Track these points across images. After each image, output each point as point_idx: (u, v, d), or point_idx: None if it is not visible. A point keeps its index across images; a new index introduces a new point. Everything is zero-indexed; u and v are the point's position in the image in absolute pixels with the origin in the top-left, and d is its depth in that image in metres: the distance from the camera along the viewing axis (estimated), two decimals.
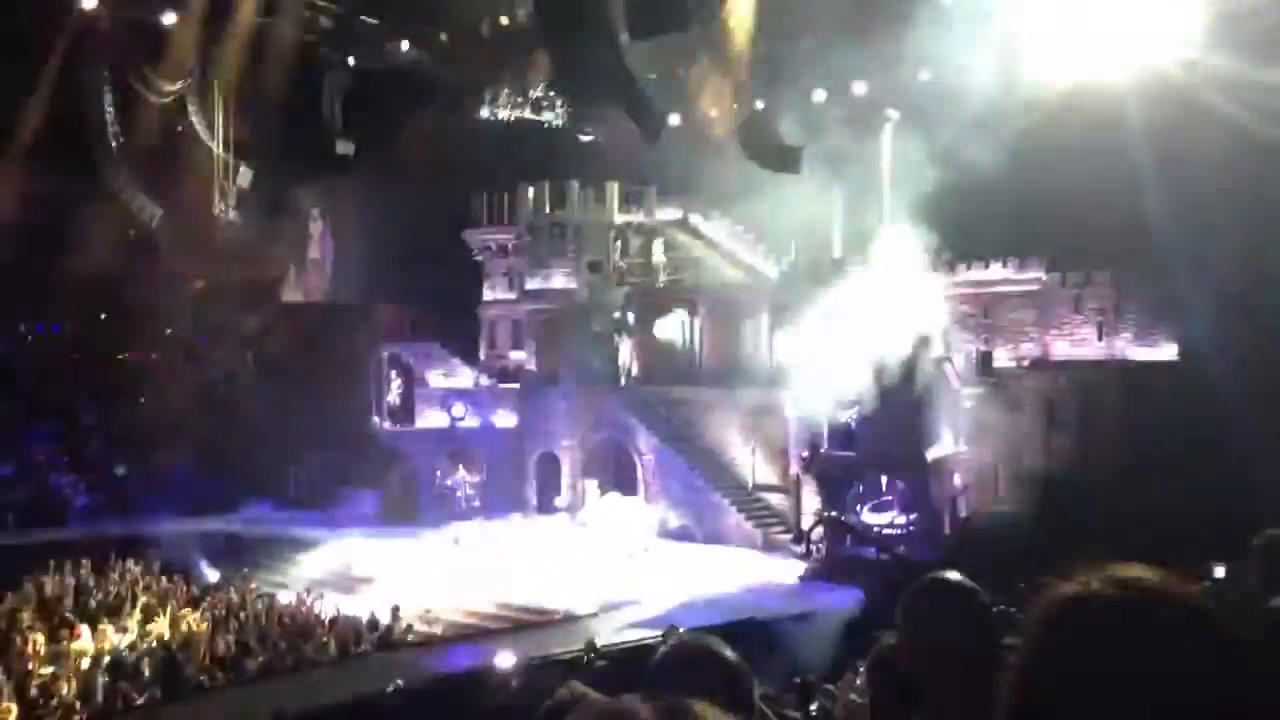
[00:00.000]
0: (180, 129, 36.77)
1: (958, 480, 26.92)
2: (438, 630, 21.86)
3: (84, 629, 19.53)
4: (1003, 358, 29.19)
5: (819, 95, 31.18)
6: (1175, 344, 27.78)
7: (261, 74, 35.64)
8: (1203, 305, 24.19)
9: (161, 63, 33.84)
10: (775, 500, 31.24)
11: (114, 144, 34.13)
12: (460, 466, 36.55)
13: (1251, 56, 23.79)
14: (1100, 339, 27.92)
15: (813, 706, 8.42)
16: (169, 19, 32.41)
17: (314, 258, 43.72)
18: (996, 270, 29.75)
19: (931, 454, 26.49)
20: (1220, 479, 21.32)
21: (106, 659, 18.24)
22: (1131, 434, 25.42)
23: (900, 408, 25.78)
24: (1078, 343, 28.24)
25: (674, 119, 30.73)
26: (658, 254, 36.00)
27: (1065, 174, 27.34)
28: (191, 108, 35.44)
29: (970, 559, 23.05)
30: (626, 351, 34.44)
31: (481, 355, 38.93)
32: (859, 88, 31.30)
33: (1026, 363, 28.43)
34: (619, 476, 33.81)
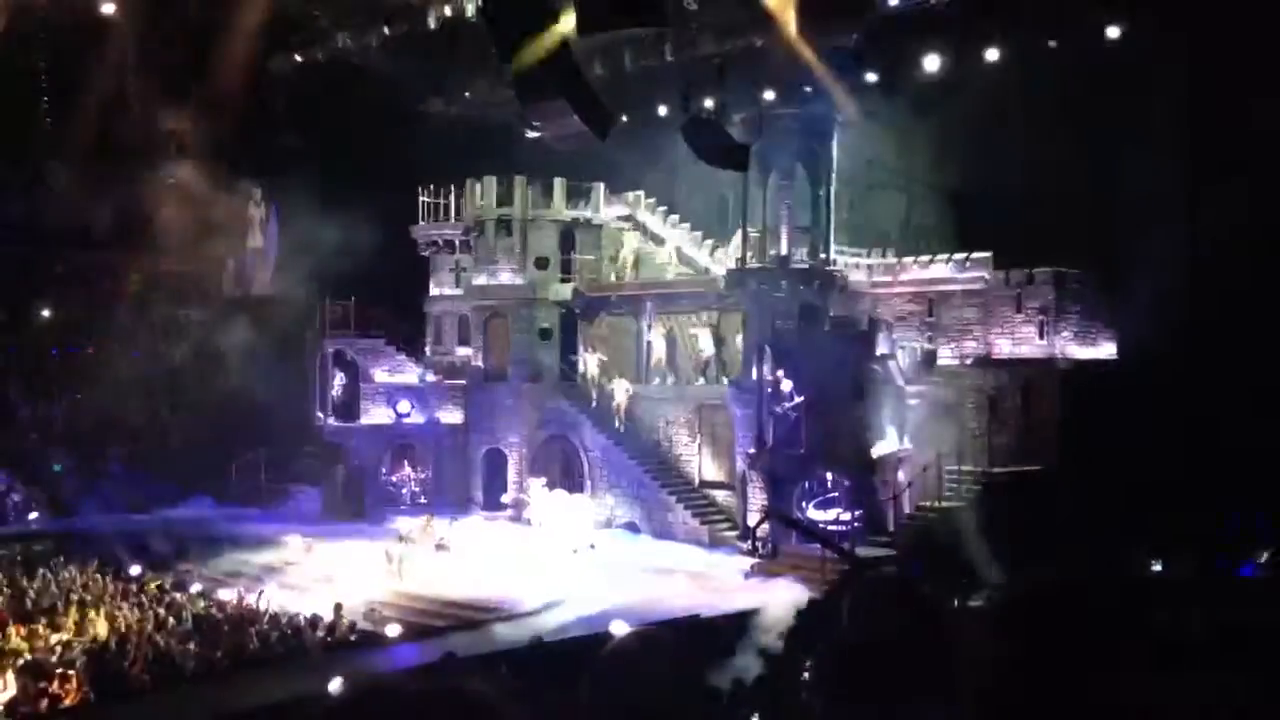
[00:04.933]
0: (120, 120, 36.17)
1: (902, 477, 27.19)
2: (381, 628, 21.68)
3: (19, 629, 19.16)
4: (946, 355, 29.54)
5: (768, 94, 31.31)
6: (1114, 343, 28.27)
7: (206, 66, 35.15)
8: (1142, 306, 24.60)
9: (101, 52, 33.29)
10: (722, 497, 31.38)
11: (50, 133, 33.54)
12: (405, 463, 36.32)
13: None
14: (1041, 338, 28.31)
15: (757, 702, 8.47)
16: (108, 8, 31.85)
17: (255, 246, 43.03)
18: (941, 269, 30.07)
19: (876, 451, 26.74)
20: (1154, 477, 21.71)
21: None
22: (1070, 432, 25.83)
23: (845, 405, 26.01)
24: (1019, 341, 28.62)
25: (623, 117, 30.69)
26: (606, 251, 35.93)
27: (1011, 171, 27.69)
28: (132, 98, 34.87)
29: (914, 554, 23.37)
30: (582, 354, 34.35)
31: (428, 351, 38.65)
32: (807, 87, 31.44)
33: (969, 360, 28.78)
34: (566, 473, 33.78)
